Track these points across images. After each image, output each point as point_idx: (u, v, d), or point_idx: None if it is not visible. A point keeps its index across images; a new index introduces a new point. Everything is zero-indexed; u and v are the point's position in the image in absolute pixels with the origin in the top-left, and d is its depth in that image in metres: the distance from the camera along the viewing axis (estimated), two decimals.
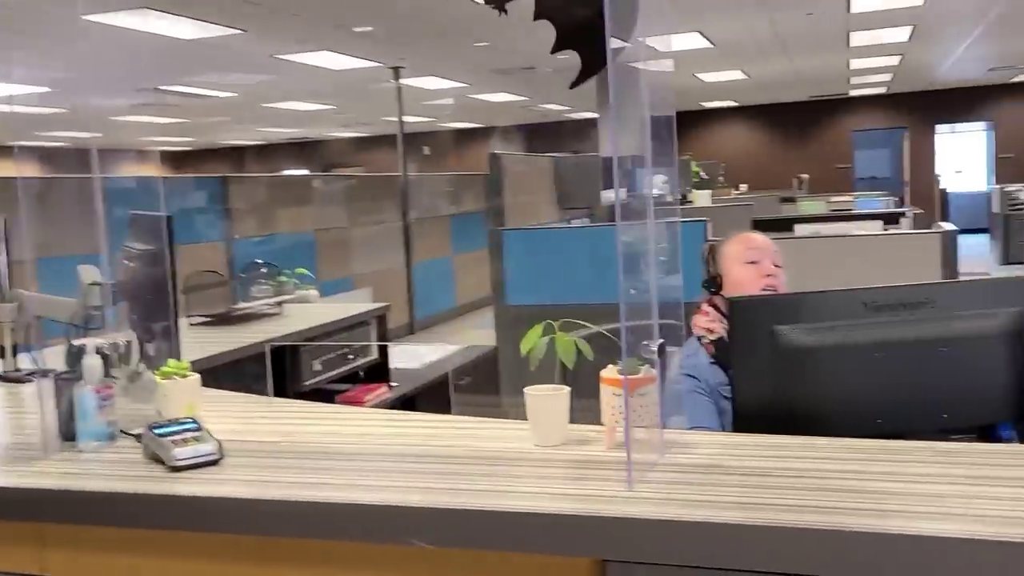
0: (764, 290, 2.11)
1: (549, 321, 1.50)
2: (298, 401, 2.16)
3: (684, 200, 9.96)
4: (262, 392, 2.07)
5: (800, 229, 7.85)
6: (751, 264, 2.16)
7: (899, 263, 4.64)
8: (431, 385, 3.71)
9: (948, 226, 4.97)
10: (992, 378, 1.49)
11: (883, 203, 10.90)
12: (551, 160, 6.87)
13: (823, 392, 1.48)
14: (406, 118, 17.17)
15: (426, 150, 21.01)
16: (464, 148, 20.54)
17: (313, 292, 3.76)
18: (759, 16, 8.56)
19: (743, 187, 15.89)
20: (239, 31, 7.67)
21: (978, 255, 13.88)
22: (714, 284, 2.21)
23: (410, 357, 4.16)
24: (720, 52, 10.60)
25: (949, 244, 4.66)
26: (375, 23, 7.85)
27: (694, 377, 2.08)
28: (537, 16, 1.38)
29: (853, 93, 17.63)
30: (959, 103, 17.59)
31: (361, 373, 3.19)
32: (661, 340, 1.32)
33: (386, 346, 3.34)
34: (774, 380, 1.47)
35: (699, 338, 2.18)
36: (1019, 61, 13.78)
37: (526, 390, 1.46)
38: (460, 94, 13.16)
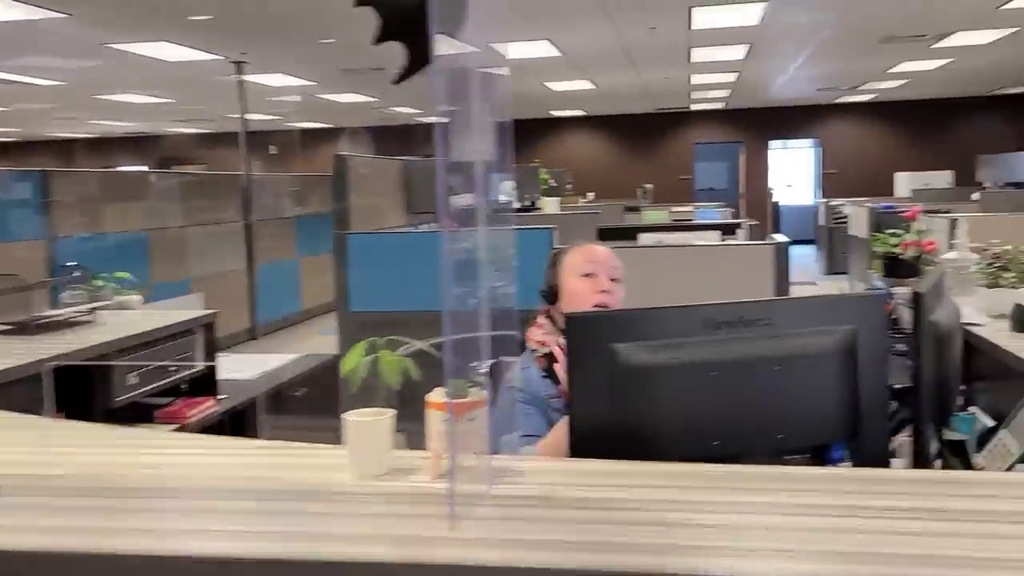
0: (596, 306, 2.06)
1: (373, 339, 1.38)
2: (85, 424, 1.88)
3: (533, 207, 10.02)
4: (60, 412, 1.85)
5: (644, 238, 8.04)
6: (587, 277, 2.11)
7: (736, 272, 4.79)
8: (264, 397, 3.51)
9: (780, 238, 5.16)
10: (825, 397, 1.47)
11: (721, 214, 11.32)
12: (400, 163, 6.71)
13: (661, 413, 1.42)
14: (251, 116, 16.59)
15: (273, 149, 20.37)
16: (313, 149, 20.04)
17: (135, 298, 3.49)
18: (605, 28, 8.70)
19: (590, 195, 16.20)
20: (65, 15, 7.14)
21: (806, 265, 14.65)
22: (551, 295, 2.15)
23: (245, 366, 3.93)
24: (568, 61, 10.73)
25: (781, 255, 4.85)
26: (214, 13, 7.49)
27: (521, 390, 2.01)
28: (359, 2, 1.25)
29: (694, 107, 18.31)
30: (790, 120, 18.57)
31: (184, 386, 2.96)
32: (492, 360, 1.23)
33: (213, 357, 3.12)
34: (611, 401, 1.40)
35: (532, 351, 2.12)
36: (843, 82, 14.65)
37: (344, 416, 1.33)
38: (307, 93, 12.80)
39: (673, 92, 15.04)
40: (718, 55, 10.82)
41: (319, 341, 9.03)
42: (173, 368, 2.90)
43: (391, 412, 1.34)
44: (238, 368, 3.85)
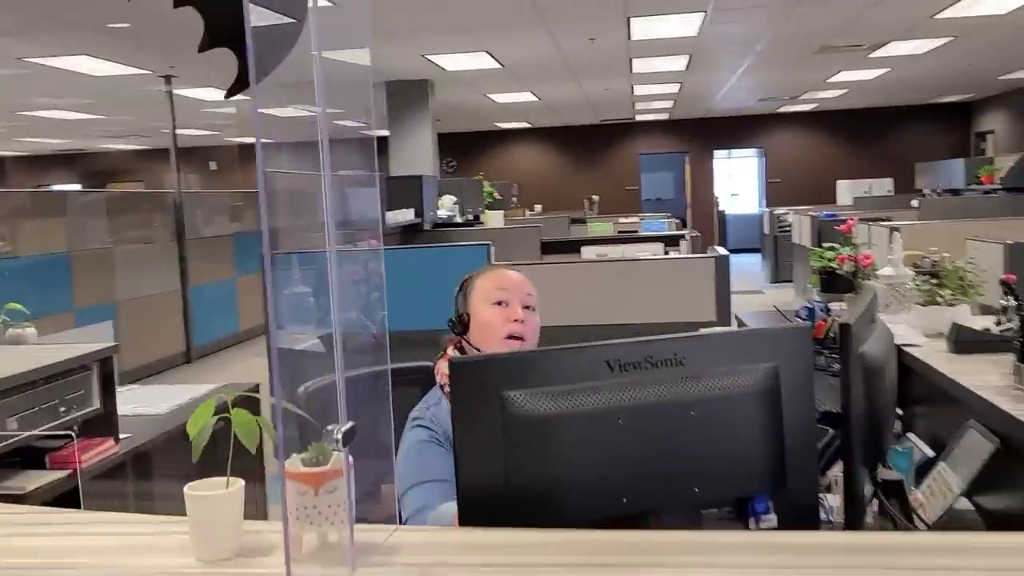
0: (509, 337, 1.90)
1: (222, 395, 1.20)
2: None
3: (476, 221, 9.86)
4: None
5: (586, 251, 7.93)
6: (499, 305, 1.94)
7: (678, 286, 4.69)
8: (173, 435, 3.28)
9: (721, 250, 5.09)
10: (745, 445, 1.32)
11: (667, 224, 11.28)
12: (336, 179, 6.50)
13: (563, 469, 1.25)
14: (187, 131, 16.24)
15: (212, 165, 19.97)
16: (254, 164, 19.67)
17: (29, 331, 3.24)
18: (544, 39, 8.59)
19: (537, 207, 16.11)
20: None
21: (752, 274, 14.69)
22: (460, 324, 1.98)
23: (156, 399, 3.69)
24: (509, 73, 10.61)
25: (722, 268, 4.77)
26: (133, 25, 7.21)
27: (429, 428, 1.84)
28: (178, 3, 1.08)
29: (639, 118, 18.32)
30: (734, 130, 18.69)
31: (75, 428, 2.73)
32: (351, 423, 1.05)
33: (111, 393, 2.88)
34: (505, 457, 1.23)
35: (442, 386, 1.95)
36: (783, 92, 14.75)
37: (186, 489, 1.15)
38: (243, 107, 12.49)
39: (617, 103, 15.01)
40: (659, 66, 10.79)
41: (255, 365, 8.76)
42: (63, 408, 2.67)
43: (239, 484, 1.15)
44: (148, 402, 3.61)
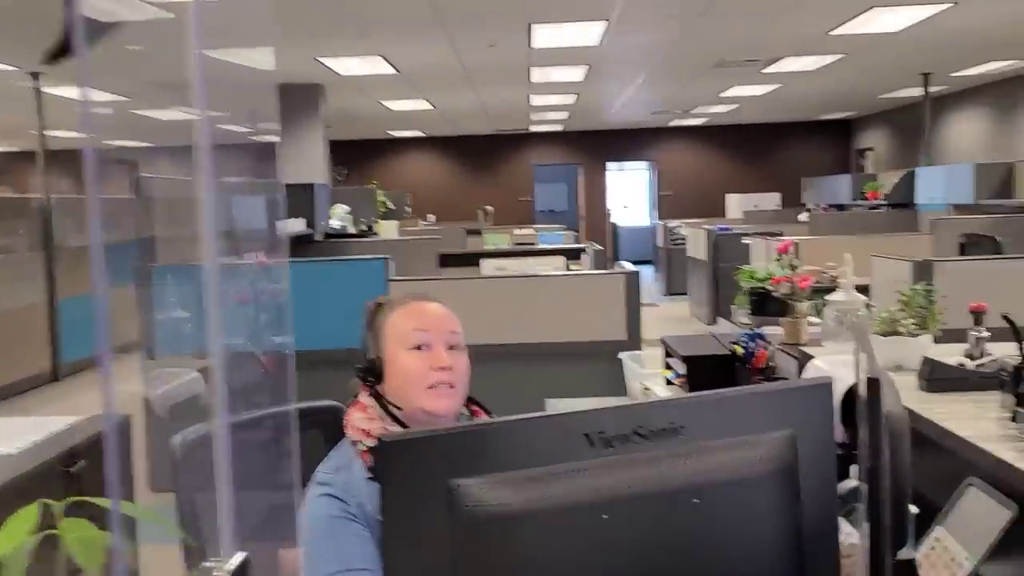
0: (433, 387, 1.57)
1: (45, 501, 0.84)
2: None
3: (369, 231, 9.46)
4: None
5: (485, 265, 7.64)
6: (418, 349, 1.61)
7: (586, 302, 4.47)
8: (29, 477, 2.80)
9: (629, 266, 4.94)
10: (758, 537, 1.03)
11: (564, 237, 11.13)
12: (219, 187, 6.00)
13: None
14: (63, 133, 15.19)
15: None
16: (148, 169, 18.65)
17: None
18: (442, 44, 8.28)
19: (431, 217, 15.76)
20: None
21: (645, 287, 14.69)
22: (372, 374, 1.63)
23: (12, 434, 3.19)
24: (404, 79, 10.25)
25: (632, 284, 4.61)
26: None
27: (340, 500, 1.49)
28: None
29: (533, 128, 18.21)
30: (626, 143, 18.79)
31: None
32: (242, 556, 0.71)
33: None
34: (454, 567, 0.90)
35: (353, 442, 1.60)
36: (676, 106, 14.86)
37: None
38: (123, 109, 11.73)
39: (513, 113, 14.83)
40: (557, 76, 10.62)
41: (130, 388, 8.10)
42: None
43: None
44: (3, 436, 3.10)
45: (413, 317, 1.63)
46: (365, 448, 1.56)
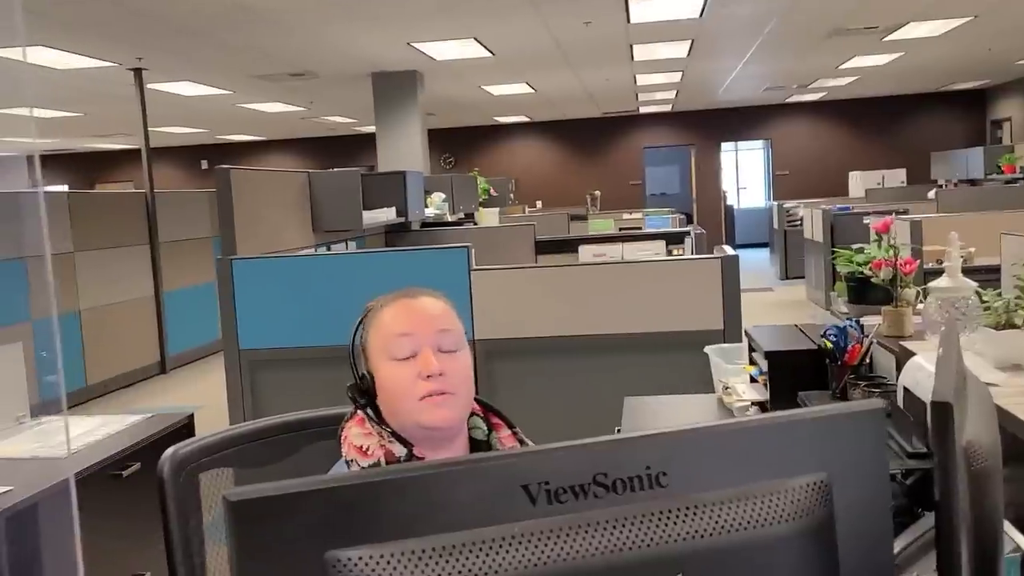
0: (425, 399, 1.34)
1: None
2: None
3: (468, 218, 9.31)
4: None
5: (584, 251, 7.38)
6: (405, 361, 1.37)
7: (681, 289, 4.15)
8: (79, 481, 2.72)
9: (729, 250, 4.54)
10: None
11: (671, 220, 10.74)
12: (304, 177, 5.94)
13: None
14: (175, 128, 15.70)
15: (204, 164, 19.46)
16: (250, 162, 19.15)
17: None
18: (535, 23, 8.01)
19: (539, 204, 15.54)
20: None
21: (761, 271, 14.10)
22: (365, 394, 1.41)
23: (73, 432, 3.14)
24: (501, 62, 10.03)
25: (729, 269, 4.22)
26: (92, 13, 6.66)
27: None
28: None
29: (643, 110, 17.74)
30: (740, 122, 18.09)
31: None
32: None
33: None
34: None
35: (348, 462, 1.39)
36: (791, 81, 14.15)
37: None
38: (226, 102, 11.95)
39: (618, 95, 14.43)
40: (660, 52, 10.20)
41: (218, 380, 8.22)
42: None
43: None
44: (54, 440, 3.05)
45: (396, 320, 1.39)
46: (365, 468, 1.35)
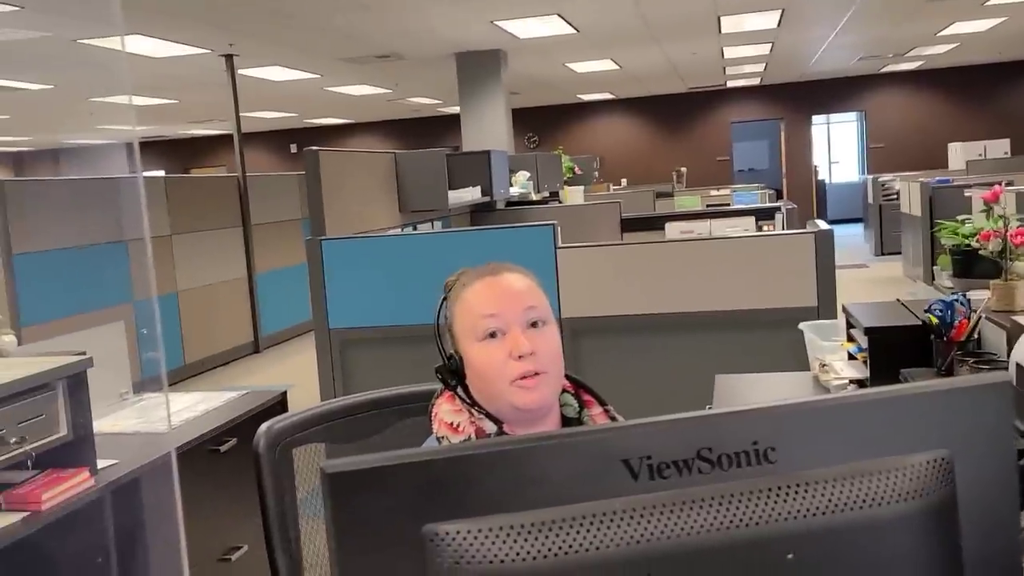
0: (516, 383, 1.32)
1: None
2: None
3: (553, 197, 9.27)
4: None
5: (671, 228, 7.27)
6: (492, 338, 1.34)
7: (772, 266, 4.05)
8: (179, 455, 2.81)
9: (822, 224, 4.39)
10: None
11: (760, 196, 10.51)
12: (390, 157, 5.99)
13: None
14: (263, 113, 16.04)
15: (293, 147, 19.84)
16: (337, 145, 19.46)
17: (7, 340, 2.80)
18: None
19: (624, 182, 15.38)
20: (16, 7, 6.51)
21: (855, 247, 13.70)
22: (454, 375, 1.39)
23: (164, 412, 3.24)
24: (585, 39, 9.92)
25: (823, 245, 4.08)
26: (188, 1, 6.83)
27: None
28: None
29: (730, 84, 17.36)
30: (832, 94, 17.54)
31: (30, 461, 2.27)
32: None
33: (84, 416, 2.42)
34: None
35: (439, 439, 1.38)
36: (886, 51, 13.63)
37: None
38: (314, 86, 12.14)
39: (705, 69, 14.13)
40: (749, 23, 9.93)
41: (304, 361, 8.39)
42: (15, 440, 2.22)
43: None
44: (155, 416, 3.15)
45: (481, 300, 1.36)
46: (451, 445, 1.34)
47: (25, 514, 2.25)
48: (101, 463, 2.52)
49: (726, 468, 0.69)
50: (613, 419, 1.43)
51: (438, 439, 1.38)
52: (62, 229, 6.55)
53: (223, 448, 2.98)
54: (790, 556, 0.68)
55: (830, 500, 0.68)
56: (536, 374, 1.31)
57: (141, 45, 8.17)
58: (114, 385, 3.28)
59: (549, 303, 1.41)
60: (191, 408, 3.26)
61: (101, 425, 2.80)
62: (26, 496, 2.27)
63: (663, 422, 0.69)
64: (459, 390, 1.39)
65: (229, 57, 8.79)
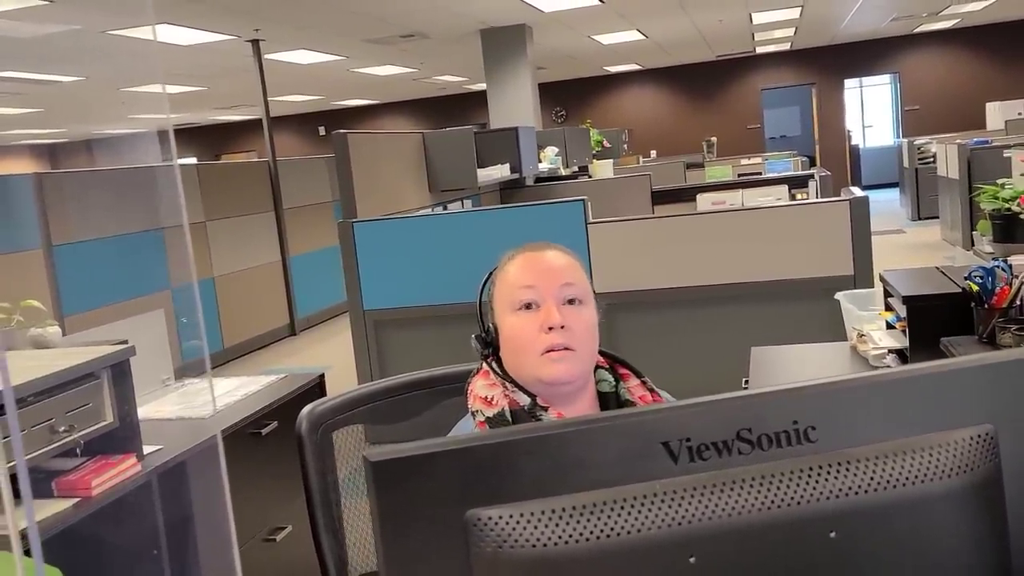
0: (547, 354, 1.33)
1: None
2: None
3: (582, 171, 9.23)
4: None
5: (702, 199, 7.22)
6: (527, 309, 1.37)
7: (806, 235, 4.00)
8: (213, 444, 2.85)
9: (857, 191, 4.33)
10: None
11: (793, 163, 10.38)
12: (418, 137, 5.99)
13: None
14: (292, 97, 16.10)
15: (321, 130, 19.91)
16: (366, 126, 19.50)
17: (52, 331, 2.86)
18: None
19: (653, 153, 15.26)
20: (46, 1, 6.58)
21: (891, 212, 13.51)
22: (489, 345, 1.42)
23: (207, 397, 3.29)
24: (611, 9, 9.82)
25: (859, 212, 4.02)
26: None
27: None
28: None
29: (760, 50, 17.11)
30: (864, 56, 17.23)
31: (78, 448, 2.33)
32: None
33: (129, 404, 2.47)
34: None
35: (473, 413, 1.40)
36: (920, 10, 13.35)
37: None
38: (340, 68, 12.15)
39: (733, 35, 13.94)
40: None
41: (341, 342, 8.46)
42: (64, 428, 2.27)
43: None
44: (201, 400, 3.20)
45: (520, 272, 1.39)
46: (484, 419, 1.36)
47: (75, 500, 2.30)
48: (146, 449, 2.56)
49: (766, 448, 0.69)
50: (651, 390, 1.44)
51: (472, 413, 1.40)
52: (100, 219, 6.65)
53: (264, 431, 3.02)
54: (832, 534, 0.68)
55: (872, 478, 0.68)
56: (566, 348, 1.32)
57: (169, 33, 8.22)
58: (156, 372, 3.34)
59: (589, 284, 1.42)
60: (232, 393, 3.31)
61: (144, 411, 2.85)
62: (76, 483, 2.32)
63: (702, 404, 0.69)
64: (492, 363, 1.40)
65: (255, 42, 8.82)
